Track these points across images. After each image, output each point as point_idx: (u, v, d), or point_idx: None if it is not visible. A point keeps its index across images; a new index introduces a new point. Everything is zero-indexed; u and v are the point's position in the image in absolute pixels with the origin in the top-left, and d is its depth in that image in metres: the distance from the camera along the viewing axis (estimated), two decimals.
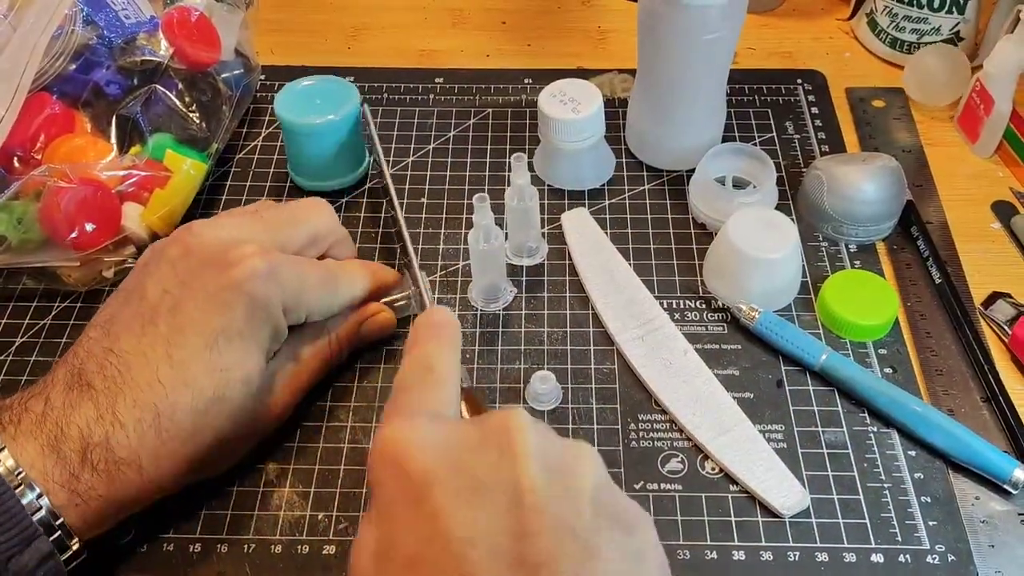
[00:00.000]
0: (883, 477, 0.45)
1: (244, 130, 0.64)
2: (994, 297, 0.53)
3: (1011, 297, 0.53)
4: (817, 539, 0.43)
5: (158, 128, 0.56)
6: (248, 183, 0.61)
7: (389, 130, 0.64)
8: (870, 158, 0.56)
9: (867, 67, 0.70)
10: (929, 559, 0.43)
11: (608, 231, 0.57)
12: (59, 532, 0.38)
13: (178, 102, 0.57)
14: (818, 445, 0.47)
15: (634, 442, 0.47)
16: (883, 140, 0.63)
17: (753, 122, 0.64)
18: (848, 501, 0.45)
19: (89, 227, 0.51)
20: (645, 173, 0.61)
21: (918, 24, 0.68)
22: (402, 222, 0.54)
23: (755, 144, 0.61)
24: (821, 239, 0.57)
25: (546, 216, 0.58)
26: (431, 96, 0.67)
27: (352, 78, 0.62)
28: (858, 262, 0.55)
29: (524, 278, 0.55)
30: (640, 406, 0.49)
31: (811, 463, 0.46)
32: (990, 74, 0.60)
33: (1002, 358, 0.51)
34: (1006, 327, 0.51)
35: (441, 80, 0.68)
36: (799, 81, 0.68)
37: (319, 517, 0.45)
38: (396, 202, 0.55)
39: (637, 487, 0.45)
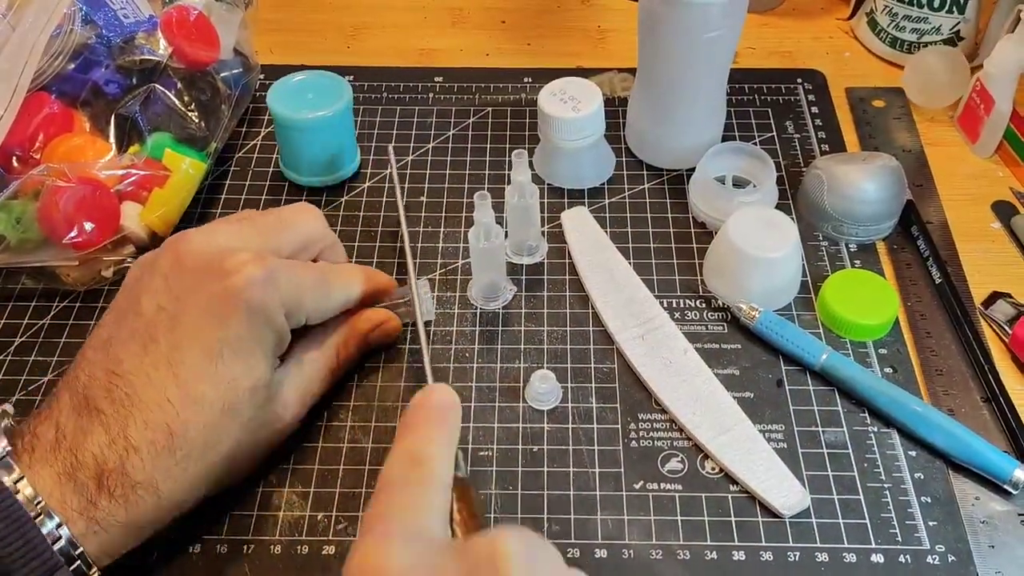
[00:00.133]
0: (883, 477, 0.45)
1: (243, 129, 0.64)
2: (994, 297, 0.53)
3: (1011, 297, 0.53)
4: (817, 539, 0.43)
5: (157, 127, 0.56)
6: (247, 182, 0.61)
7: (389, 129, 0.64)
8: (870, 158, 0.56)
9: (867, 67, 0.70)
10: (929, 559, 0.43)
11: (608, 230, 0.57)
12: (79, 562, 0.37)
13: (177, 101, 0.57)
14: (818, 445, 0.47)
15: (634, 442, 0.47)
16: (883, 140, 0.63)
17: (753, 121, 0.64)
18: (848, 501, 0.45)
19: (88, 226, 0.50)
20: (645, 172, 0.61)
21: (918, 24, 0.68)
22: (405, 234, 0.53)
23: (755, 143, 0.61)
24: (821, 238, 0.56)
25: (546, 215, 0.58)
26: (431, 95, 0.67)
27: (352, 77, 0.62)
28: (858, 262, 0.55)
29: (524, 277, 0.55)
30: (640, 405, 0.48)
31: (811, 463, 0.46)
32: (990, 74, 0.60)
33: (1002, 358, 0.51)
34: (1006, 327, 0.51)
35: (441, 79, 0.68)
36: (799, 80, 0.68)
37: (319, 517, 0.45)
38: (403, 216, 0.54)
39: (637, 487, 0.45)
